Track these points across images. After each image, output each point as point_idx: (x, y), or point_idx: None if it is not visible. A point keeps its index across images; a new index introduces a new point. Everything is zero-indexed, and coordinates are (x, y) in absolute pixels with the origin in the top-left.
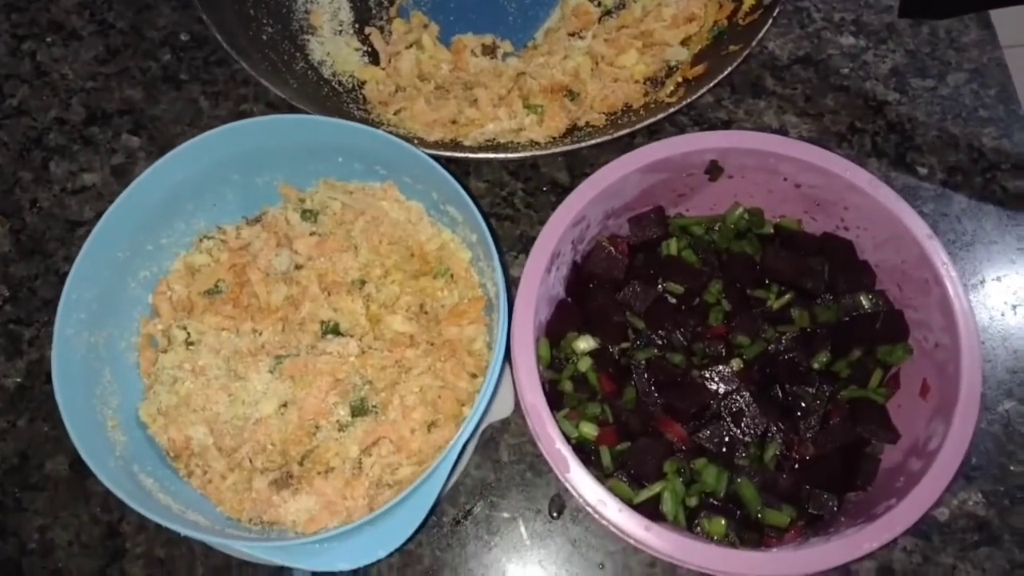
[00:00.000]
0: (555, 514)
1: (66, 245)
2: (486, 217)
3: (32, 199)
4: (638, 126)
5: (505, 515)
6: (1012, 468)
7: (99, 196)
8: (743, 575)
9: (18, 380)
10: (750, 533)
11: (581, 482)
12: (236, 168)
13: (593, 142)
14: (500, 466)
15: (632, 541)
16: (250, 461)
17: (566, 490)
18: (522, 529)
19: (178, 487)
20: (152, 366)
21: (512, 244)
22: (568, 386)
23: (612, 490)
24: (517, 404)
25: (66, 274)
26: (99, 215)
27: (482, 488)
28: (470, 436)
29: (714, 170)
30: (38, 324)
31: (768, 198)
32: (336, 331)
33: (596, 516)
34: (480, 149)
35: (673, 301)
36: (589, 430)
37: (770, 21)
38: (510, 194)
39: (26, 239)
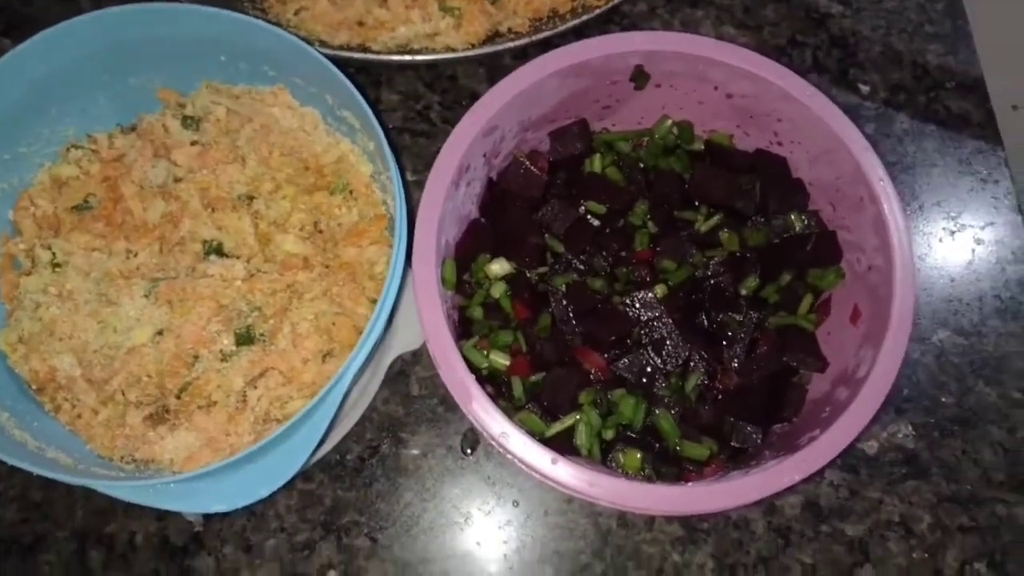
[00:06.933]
0: (468, 451)
1: None
2: (388, 128)
3: None
4: (562, 27)
5: (414, 452)
6: (943, 400)
7: None
8: (657, 511)
9: None
10: (668, 467)
11: (484, 413)
12: (107, 66)
13: (511, 44)
14: (409, 400)
15: (538, 476)
16: (123, 394)
17: None
18: (431, 466)
19: (42, 423)
20: (14, 290)
21: (428, 162)
22: (478, 312)
23: (523, 423)
24: None
25: None
26: None
27: (390, 424)
28: (366, 365)
29: (639, 77)
30: None
31: (698, 110)
32: (220, 252)
33: (501, 450)
34: (389, 54)
35: (595, 223)
36: (500, 359)
37: None
38: (425, 107)
39: None
